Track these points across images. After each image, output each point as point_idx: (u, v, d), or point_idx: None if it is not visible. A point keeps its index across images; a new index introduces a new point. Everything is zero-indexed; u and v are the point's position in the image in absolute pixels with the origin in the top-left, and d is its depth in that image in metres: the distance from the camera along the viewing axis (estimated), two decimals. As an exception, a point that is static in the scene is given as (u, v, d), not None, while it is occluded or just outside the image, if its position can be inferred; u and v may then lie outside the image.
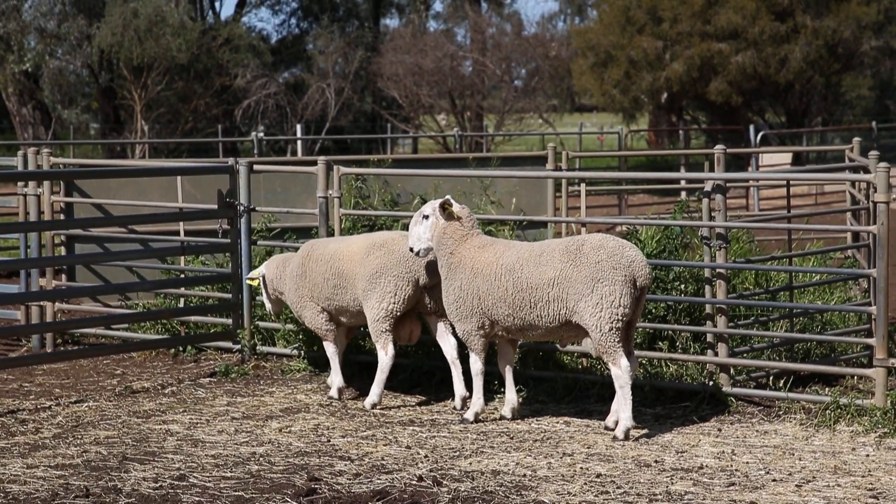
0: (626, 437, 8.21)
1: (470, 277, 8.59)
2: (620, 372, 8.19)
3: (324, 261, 9.43)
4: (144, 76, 36.75)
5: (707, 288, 9.36)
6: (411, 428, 8.65)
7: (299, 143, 29.27)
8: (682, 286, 9.90)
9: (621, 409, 8.25)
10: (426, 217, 8.78)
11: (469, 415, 8.79)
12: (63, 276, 12.03)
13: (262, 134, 26.31)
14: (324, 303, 9.46)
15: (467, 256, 8.66)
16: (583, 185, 11.13)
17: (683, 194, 19.16)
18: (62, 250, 12.15)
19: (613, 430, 8.34)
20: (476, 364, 8.77)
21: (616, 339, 8.17)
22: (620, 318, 8.17)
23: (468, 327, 8.68)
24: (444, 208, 8.74)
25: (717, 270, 9.22)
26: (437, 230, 8.75)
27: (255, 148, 23.79)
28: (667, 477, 7.39)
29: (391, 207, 11.76)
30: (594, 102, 39.35)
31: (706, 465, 7.63)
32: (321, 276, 9.40)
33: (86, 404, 9.49)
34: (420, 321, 9.34)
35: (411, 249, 8.85)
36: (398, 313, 9.11)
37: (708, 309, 9.36)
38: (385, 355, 9.12)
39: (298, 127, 30.45)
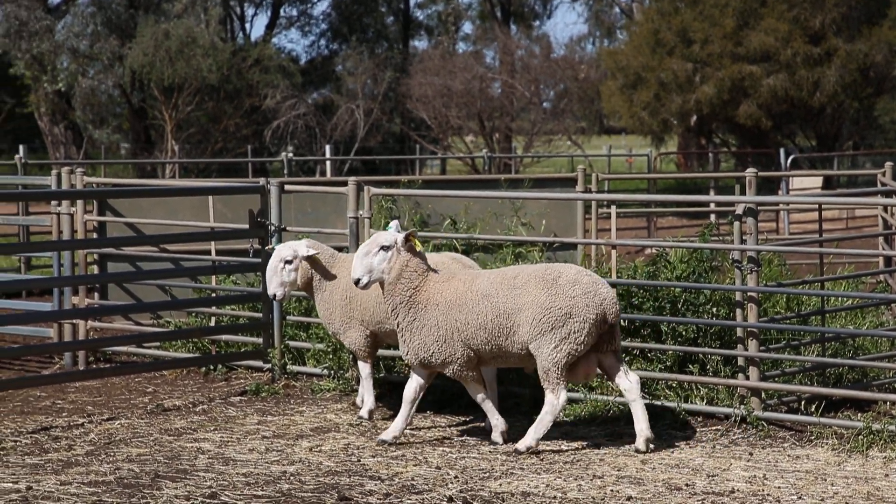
0: (527, 452, 8.37)
1: (445, 312, 8.52)
2: (558, 403, 8.35)
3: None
4: (175, 96, 37.00)
5: (738, 311, 9.33)
6: (441, 448, 8.66)
7: (328, 163, 29.37)
8: (713, 309, 9.88)
9: (534, 428, 8.40)
10: (385, 248, 8.58)
11: (496, 436, 8.77)
12: (95, 295, 12.11)
13: (291, 154, 26.43)
14: (375, 326, 9.44)
15: (435, 291, 8.57)
16: (613, 207, 11.13)
17: (713, 217, 19.15)
18: (95, 269, 12.24)
19: (644, 452, 8.35)
20: (478, 392, 8.70)
21: (564, 373, 8.34)
22: (577, 355, 8.34)
23: (458, 362, 8.58)
24: (408, 240, 8.60)
25: (749, 294, 9.20)
26: (398, 263, 8.56)
27: (285, 168, 23.90)
28: (698, 501, 7.37)
29: (421, 228, 11.79)
30: (623, 125, 39.31)
31: (737, 490, 7.60)
32: (374, 301, 9.37)
33: (118, 422, 9.55)
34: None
35: (357, 281, 8.59)
36: None
37: (739, 332, 9.34)
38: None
39: (327, 147, 30.54)
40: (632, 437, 8.77)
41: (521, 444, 8.45)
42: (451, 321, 8.51)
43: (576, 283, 8.35)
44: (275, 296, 9.36)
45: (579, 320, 8.29)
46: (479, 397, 8.78)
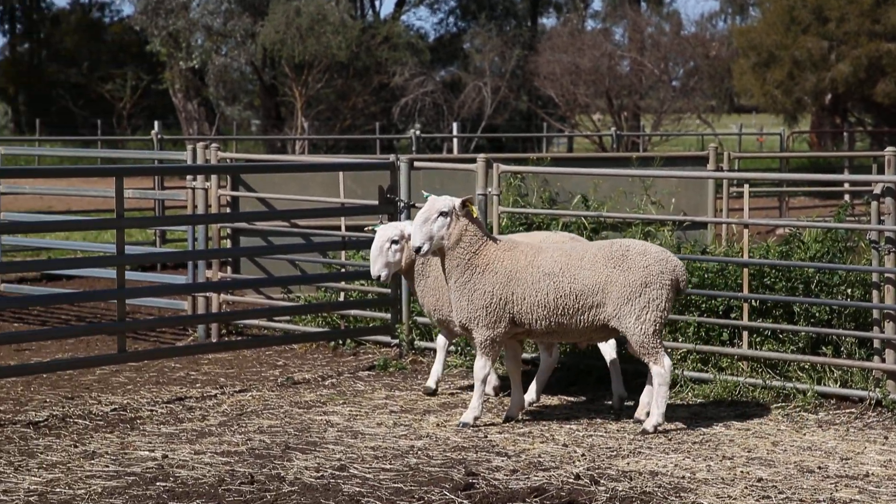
0: (655, 431, 8.35)
1: (504, 282, 8.42)
2: (664, 371, 8.34)
3: None
4: (305, 74, 37.40)
5: (874, 293, 9.12)
6: (568, 426, 8.64)
7: (455, 140, 29.43)
8: (848, 290, 9.67)
9: (656, 405, 8.39)
10: (444, 214, 8.44)
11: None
12: (228, 269, 12.33)
13: (419, 131, 26.55)
14: None
15: (495, 258, 8.46)
16: (746, 186, 10.93)
17: (847, 197, 18.74)
18: (228, 243, 12.46)
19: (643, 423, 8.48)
20: (486, 370, 8.55)
21: (660, 340, 8.37)
22: (663, 321, 8.36)
23: (495, 333, 8.49)
24: (465, 206, 8.49)
25: (886, 275, 8.98)
26: (457, 229, 8.45)
27: (413, 145, 24.02)
28: (831, 484, 7.24)
29: (549, 206, 11.75)
30: (754, 103, 38.61)
31: (872, 474, 7.44)
32: None
33: (249, 394, 9.72)
34: None
35: (418, 249, 8.44)
36: None
37: (875, 314, 9.12)
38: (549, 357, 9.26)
39: (454, 125, 30.59)
40: (762, 418, 8.66)
41: (648, 424, 8.40)
42: (508, 292, 8.43)
43: (645, 253, 8.38)
44: (379, 277, 9.14)
45: (656, 287, 8.29)
46: (487, 374, 8.59)
